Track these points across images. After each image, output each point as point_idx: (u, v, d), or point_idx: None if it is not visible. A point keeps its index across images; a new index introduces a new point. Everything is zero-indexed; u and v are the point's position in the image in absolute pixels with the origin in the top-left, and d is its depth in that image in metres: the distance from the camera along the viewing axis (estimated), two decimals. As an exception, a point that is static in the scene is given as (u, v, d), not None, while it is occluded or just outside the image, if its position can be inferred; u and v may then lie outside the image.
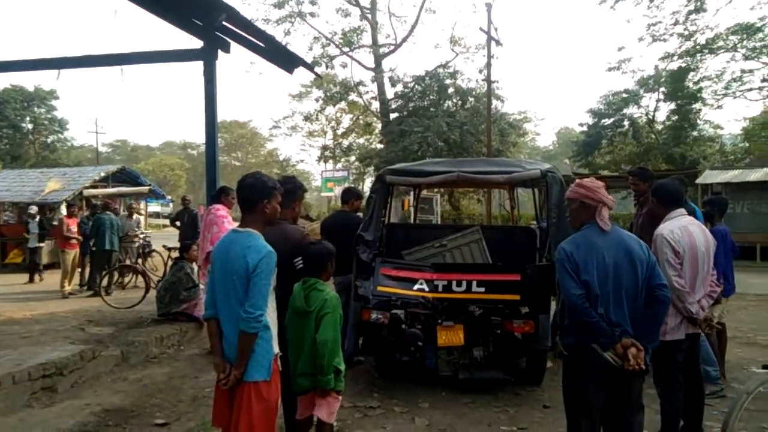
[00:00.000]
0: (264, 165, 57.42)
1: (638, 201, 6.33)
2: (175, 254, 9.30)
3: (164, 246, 11.62)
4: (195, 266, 7.70)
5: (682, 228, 3.88)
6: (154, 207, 42.24)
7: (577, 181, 3.31)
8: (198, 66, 7.61)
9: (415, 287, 5.17)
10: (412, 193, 8.00)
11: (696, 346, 4.03)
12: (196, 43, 7.70)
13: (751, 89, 27.70)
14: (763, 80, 26.99)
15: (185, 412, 4.94)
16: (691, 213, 4.49)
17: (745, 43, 26.10)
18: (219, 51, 7.63)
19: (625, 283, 3.07)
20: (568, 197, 3.27)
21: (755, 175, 17.59)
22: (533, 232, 6.14)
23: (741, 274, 7.37)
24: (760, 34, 25.56)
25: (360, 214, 6.11)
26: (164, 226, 32.67)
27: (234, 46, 7.80)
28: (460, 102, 30.88)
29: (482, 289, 5.03)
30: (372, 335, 5.30)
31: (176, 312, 7.53)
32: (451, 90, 30.40)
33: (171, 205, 37.99)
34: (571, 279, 3.04)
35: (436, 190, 30.92)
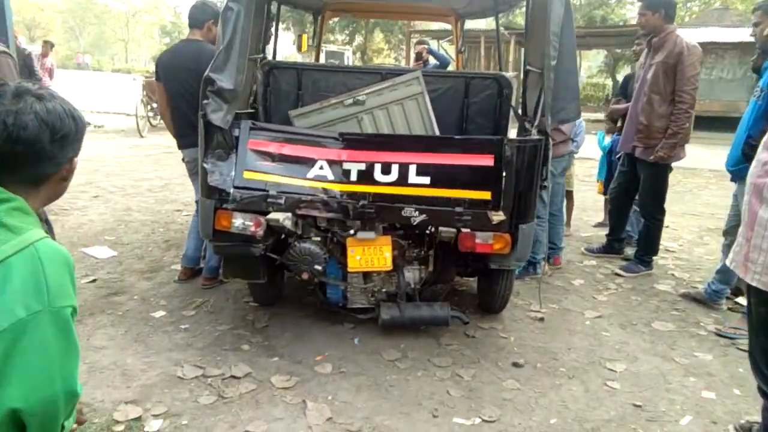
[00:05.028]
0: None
1: (649, 43, 4.26)
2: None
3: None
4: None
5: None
6: None
7: None
8: None
9: (311, 173, 2.97)
10: (313, 25, 5.34)
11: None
12: None
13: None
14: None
15: None
16: None
17: None
18: None
19: None
20: None
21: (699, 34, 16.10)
22: (508, 84, 3.91)
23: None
24: None
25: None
26: None
27: None
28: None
29: (426, 180, 2.91)
30: (236, 253, 3.12)
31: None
32: None
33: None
34: None
35: (347, 36, 27.48)
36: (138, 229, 5.33)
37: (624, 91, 5.09)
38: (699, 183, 8.81)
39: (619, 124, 5.17)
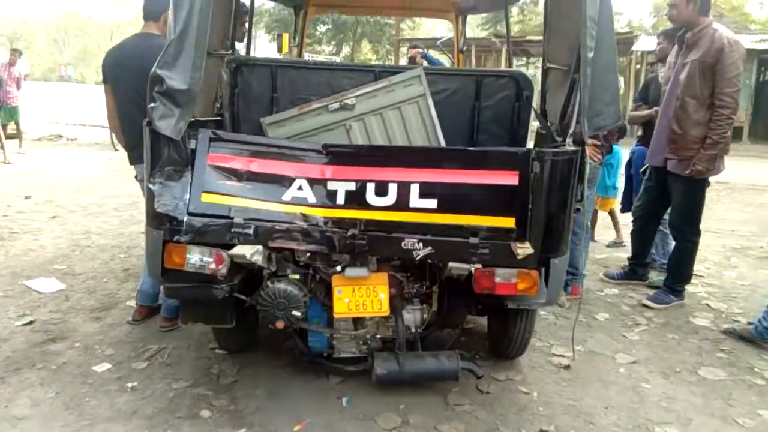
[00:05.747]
0: None
1: (681, 39, 3.71)
2: None
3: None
4: None
5: None
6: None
7: None
8: None
9: (287, 196, 2.36)
10: (294, 23, 4.74)
11: None
12: None
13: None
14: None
15: None
16: None
17: None
18: None
19: None
20: None
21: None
22: (528, 84, 3.29)
23: None
24: None
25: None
26: None
27: None
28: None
29: (432, 203, 2.31)
30: (194, 296, 2.49)
31: None
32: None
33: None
34: None
35: (334, 46, 26.99)
36: (95, 255, 4.67)
37: (645, 96, 4.54)
38: (710, 196, 8.22)
39: (639, 132, 4.62)
